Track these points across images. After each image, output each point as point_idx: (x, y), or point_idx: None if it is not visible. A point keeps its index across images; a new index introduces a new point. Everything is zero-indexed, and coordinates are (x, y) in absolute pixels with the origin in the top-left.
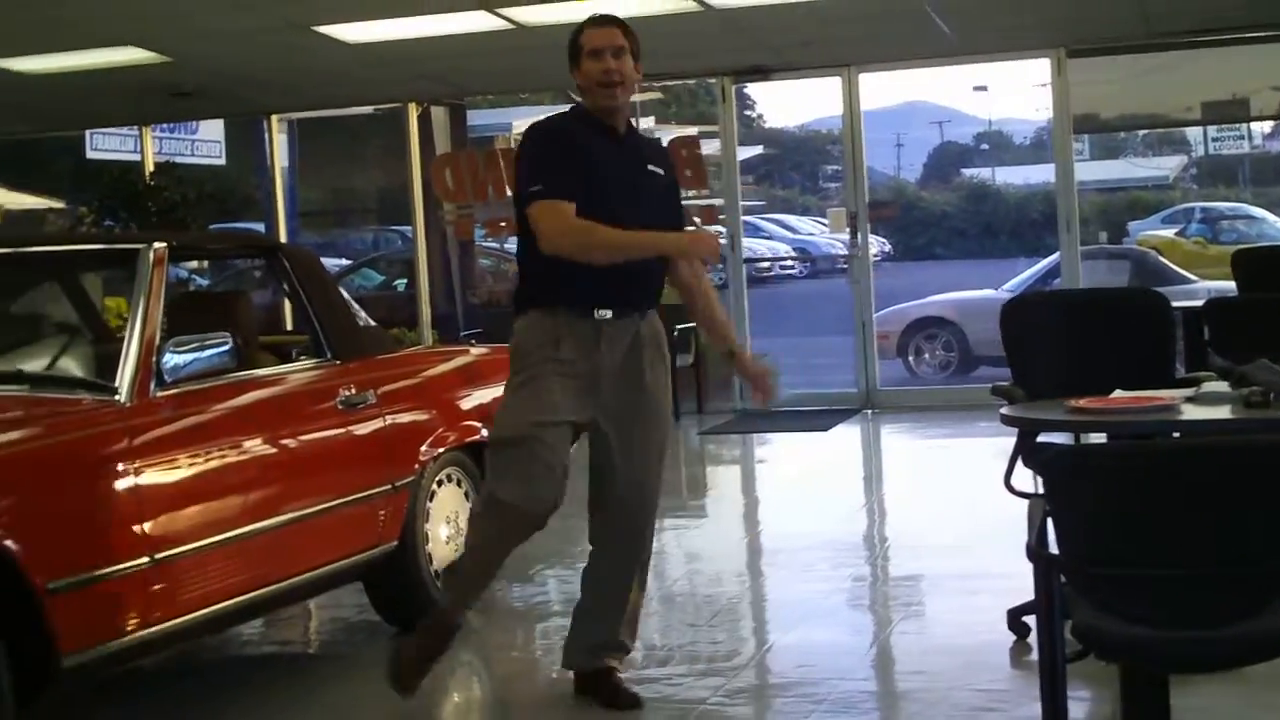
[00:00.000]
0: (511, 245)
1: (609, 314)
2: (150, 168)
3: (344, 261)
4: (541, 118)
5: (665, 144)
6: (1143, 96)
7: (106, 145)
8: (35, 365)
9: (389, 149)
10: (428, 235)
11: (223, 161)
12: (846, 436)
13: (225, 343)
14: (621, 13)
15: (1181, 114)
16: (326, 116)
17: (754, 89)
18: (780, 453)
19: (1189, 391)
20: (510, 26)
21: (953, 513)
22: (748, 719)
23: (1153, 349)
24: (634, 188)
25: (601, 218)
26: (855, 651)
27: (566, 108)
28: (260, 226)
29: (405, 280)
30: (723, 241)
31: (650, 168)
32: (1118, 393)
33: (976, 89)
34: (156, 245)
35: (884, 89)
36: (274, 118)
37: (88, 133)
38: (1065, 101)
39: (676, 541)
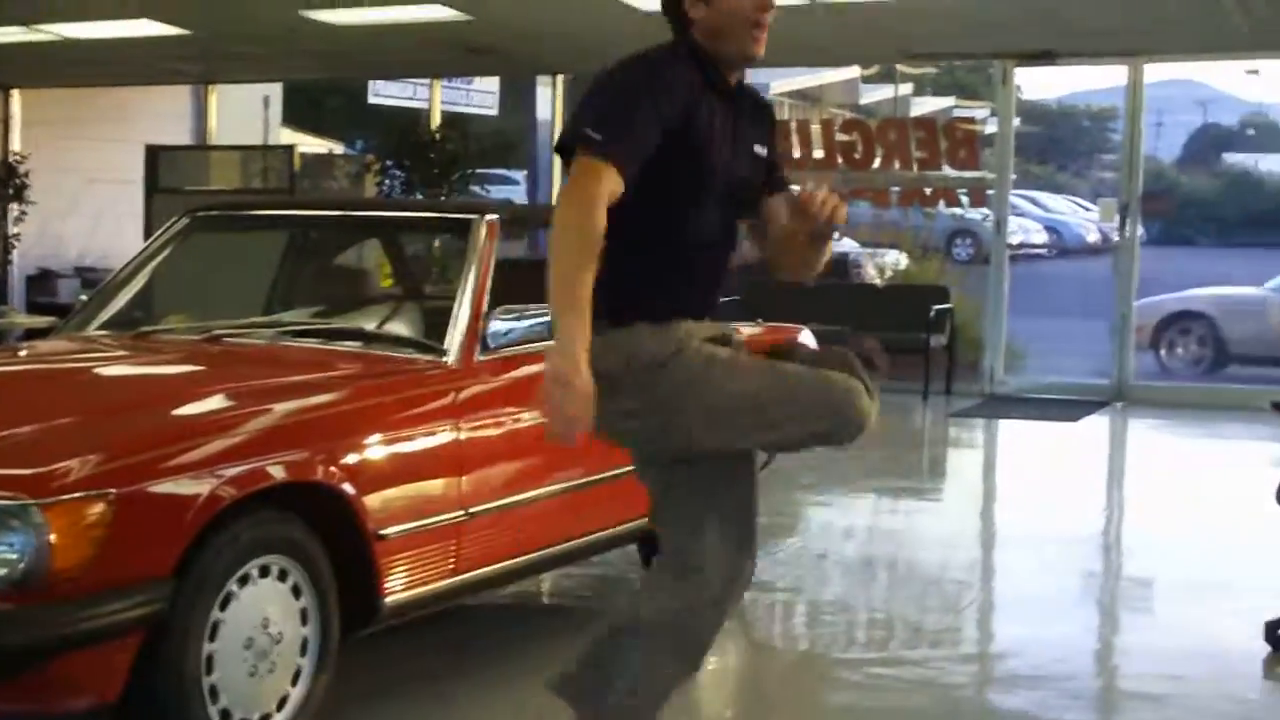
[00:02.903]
0: None
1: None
2: (436, 119)
3: None
4: (652, 49)
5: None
6: None
7: (388, 91)
8: (368, 324)
9: None
10: None
11: (495, 112)
12: (1096, 429)
13: (548, 314)
14: None
15: None
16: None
17: None
18: (1027, 441)
19: None
20: (801, 1)
21: (1202, 518)
22: (1015, 710)
23: None
24: (738, 150)
25: (705, 186)
26: (1105, 650)
27: None
28: (523, 173)
29: None
30: (986, 221)
31: (756, 149)
32: None
33: (1248, 72)
34: (489, 217)
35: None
36: (558, 77)
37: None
38: None
39: (910, 523)
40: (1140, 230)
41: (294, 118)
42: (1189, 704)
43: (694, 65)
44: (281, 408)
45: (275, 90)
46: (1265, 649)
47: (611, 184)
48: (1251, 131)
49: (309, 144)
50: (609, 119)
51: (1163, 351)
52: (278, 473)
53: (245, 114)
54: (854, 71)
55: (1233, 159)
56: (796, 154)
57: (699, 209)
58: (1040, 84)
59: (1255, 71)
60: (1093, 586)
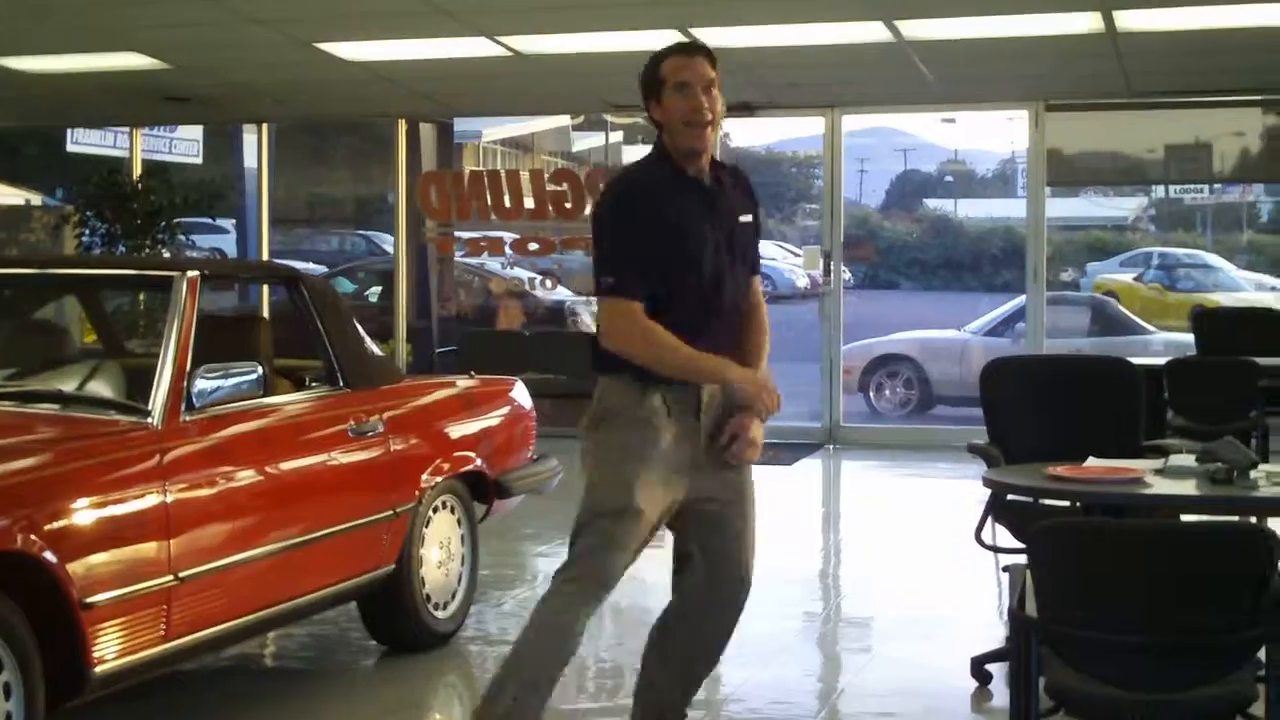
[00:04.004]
0: (491, 264)
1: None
2: (138, 168)
3: (318, 268)
4: (623, 172)
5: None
6: (1111, 142)
7: (88, 139)
8: (66, 385)
9: (362, 154)
10: (407, 249)
11: (199, 161)
12: (810, 472)
13: (253, 371)
14: (606, 47)
15: (1145, 156)
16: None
17: None
18: None
19: (1157, 463)
20: (509, 54)
21: (914, 557)
22: None
23: (1122, 415)
24: (724, 245)
25: (691, 287)
26: (825, 690)
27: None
28: (231, 222)
29: (379, 290)
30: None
31: (742, 219)
32: (1091, 460)
33: (944, 120)
34: (190, 273)
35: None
36: (264, 125)
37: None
38: (1041, 153)
39: (633, 569)
40: (846, 275)
41: None
42: None
43: (661, 171)
44: None
45: None
46: (973, 684)
47: (637, 309)
48: (950, 178)
49: (3, 194)
50: (615, 260)
51: (871, 394)
52: None
53: None
54: (565, 120)
55: (933, 204)
56: (508, 204)
57: (683, 289)
58: (749, 132)
59: (952, 120)
60: (812, 627)
